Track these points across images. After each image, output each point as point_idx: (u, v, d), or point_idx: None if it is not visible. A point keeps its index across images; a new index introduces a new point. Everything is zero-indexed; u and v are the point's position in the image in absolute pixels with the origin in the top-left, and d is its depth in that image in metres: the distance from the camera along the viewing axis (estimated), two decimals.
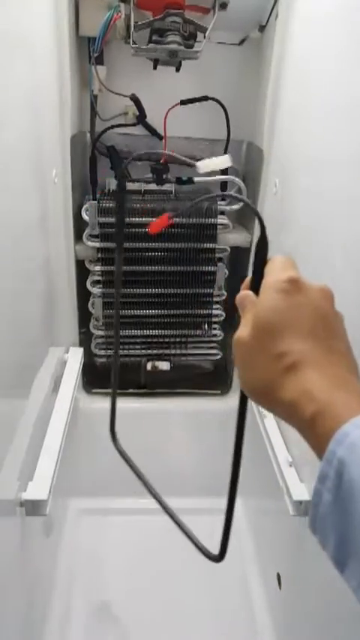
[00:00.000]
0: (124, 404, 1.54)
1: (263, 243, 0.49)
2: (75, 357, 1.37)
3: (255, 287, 0.46)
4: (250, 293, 0.45)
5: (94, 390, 1.58)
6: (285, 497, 1.01)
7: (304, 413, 0.36)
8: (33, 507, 0.91)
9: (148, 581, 1.39)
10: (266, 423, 1.15)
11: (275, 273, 0.43)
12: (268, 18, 1.22)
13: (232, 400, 1.59)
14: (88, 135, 1.34)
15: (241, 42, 1.33)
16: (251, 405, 1.29)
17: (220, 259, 1.39)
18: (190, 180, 1.33)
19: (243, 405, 0.54)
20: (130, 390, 1.59)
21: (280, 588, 1.21)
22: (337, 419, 0.34)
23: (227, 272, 1.41)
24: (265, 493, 1.30)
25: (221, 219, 1.33)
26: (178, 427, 1.59)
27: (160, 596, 1.36)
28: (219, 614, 1.32)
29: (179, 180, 1.33)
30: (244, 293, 0.46)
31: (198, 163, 0.66)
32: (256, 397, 0.42)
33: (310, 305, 0.41)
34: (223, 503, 1.68)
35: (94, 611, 1.32)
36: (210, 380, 1.67)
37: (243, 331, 0.42)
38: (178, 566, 1.43)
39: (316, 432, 0.35)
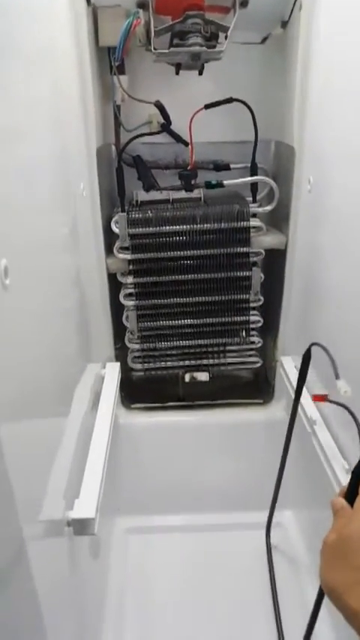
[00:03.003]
0: (163, 417, 1.53)
1: None
2: (112, 373, 1.35)
3: (350, 499, 0.57)
4: (345, 504, 0.56)
5: (133, 406, 1.55)
6: None
7: None
8: (81, 526, 0.87)
9: (198, 598, 1.34)
10: (317, 429, 1.09)
11: None
12: (291, 12, 1.18)
13: (274, 409, 1.53)
14: (113, 147, 1.32)
15: (263, 40, 1.30)
16: (299, 412, 1.23)
17: (255, 263, 1.35)
18: (219, 184, 1.29)
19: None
20: (169, 404, 1.55)
21: None
22: None
23: (263, 276, 1.37)
24: (320, 504, 1.23)
25: (254, 222, 1.29)
26: (220, 439, 1.54)
27: (212, 614, 1.30)
28: (275, 630, 1.26)
29: (208, 185, 1.30)
30: (340, 502, 0.57)
31: None
32: (329, 594, 0.49)
33: None
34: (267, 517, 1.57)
35: (146, 631, 1.27)
36: (251, 389, 1.62)
37: (332, 536, 0.52)
38: (229, 582, 1.38)
39: None
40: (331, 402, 0.87)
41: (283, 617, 1.28)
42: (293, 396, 1.23)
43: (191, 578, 1.41)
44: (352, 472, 0.64)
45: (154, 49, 1.12)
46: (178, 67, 1.22)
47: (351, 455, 1.01)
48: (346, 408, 0.76)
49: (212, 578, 1.40)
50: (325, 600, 0.67)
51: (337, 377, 0.90)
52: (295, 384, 1.25)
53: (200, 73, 1.25)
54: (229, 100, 1.26)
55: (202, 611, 1.32)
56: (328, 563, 0.51)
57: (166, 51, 1.13)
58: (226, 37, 1.15)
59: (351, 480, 0.62)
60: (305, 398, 1.19)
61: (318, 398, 0.96)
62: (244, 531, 1.52)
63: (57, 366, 0.97)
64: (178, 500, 1.57)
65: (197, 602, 1.34)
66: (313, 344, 1.02)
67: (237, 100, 1.26)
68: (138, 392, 1.57)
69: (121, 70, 1.20)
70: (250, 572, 1.42)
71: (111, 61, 1.20)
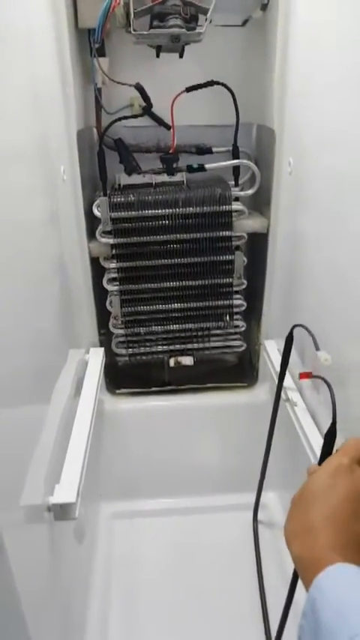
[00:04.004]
0: (148, 402, 1.54)
1: (333, 428, 0.69)
2: (96, 358, 1.35)
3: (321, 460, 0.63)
4: (317, 467, 0.58)
5: (118, 391, 1.55)
6: None
7: (306, 571, 0.47)
8: (62, 511, 0.88)
9: (185, 581, 1.36)
10: (297, 410, 1.11)
11: (336, 456, 0.56)
12: None
13: (258, 392, 1.54)
14: (95, 130, 1.31)
15: (244, 23, 1.30)
16: (282, 395, 1.23)
17: (238, 247, 1.35)
18: (201, 168, 1.29)
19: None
20: (155, 389, 1.56)
21: None
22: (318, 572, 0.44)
23: (246, 260, 1.37)
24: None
25: (236, 206, 1.29)
26: (205, 423, 1.55)
27: (199, 598, 1.32)
28: (260, 614, 1.28)
29: (190, 168, 1.30)
30: (314, 466, 0.59)
31: None
32: (285, 543, 0.53)
33: (348, 487, 0.52)
34: (253, 498, 1.60)
35: (133, 615, 1.28)
36: (235, 372, 1.63)
37: (297, 494, 0.56)
38: (216, 565, 1.40)
39: (308, 581, 0.45)
40: (315, 377, 0.91)
41: (268, 596, 1.30)
42: (276, 378, 1.24)
43: (178, 560, 1.42)
44: (325, 436, 0.68)
45: (134, 30, 1.11)
46: (159, 50, 1.21)
47: None
48: (324, 379, 0.80)
49: (199, 560, 1.42)
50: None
51: (317, 348, 0.92)
52: (277, 367, 1.26)
53: (181, 56, 1.24)
54: (211, 83, 1.26)
55: (188, 594, 1.33)
56: (288, 516, 0.55)
57: (146, 32, 1.12)
58: (206, 19, 1.14)
59: (324, 442, 0.66)
60: (287, 380, 1.21)
61: (304, 375, 1.00)
62: (231, 513, 1.54)
63: (36, 351, 0.97)
64: (165, 483, 1.58)
65: (184, 583, 1.36)
66: (295, 326, 1.04)
67: (218, 82, 1.26)
68: (123, 377, 1.58)
69: (101, 52, 1.19)
70: (237, 553, 1.44)
71: (91, 43, 1.18)
